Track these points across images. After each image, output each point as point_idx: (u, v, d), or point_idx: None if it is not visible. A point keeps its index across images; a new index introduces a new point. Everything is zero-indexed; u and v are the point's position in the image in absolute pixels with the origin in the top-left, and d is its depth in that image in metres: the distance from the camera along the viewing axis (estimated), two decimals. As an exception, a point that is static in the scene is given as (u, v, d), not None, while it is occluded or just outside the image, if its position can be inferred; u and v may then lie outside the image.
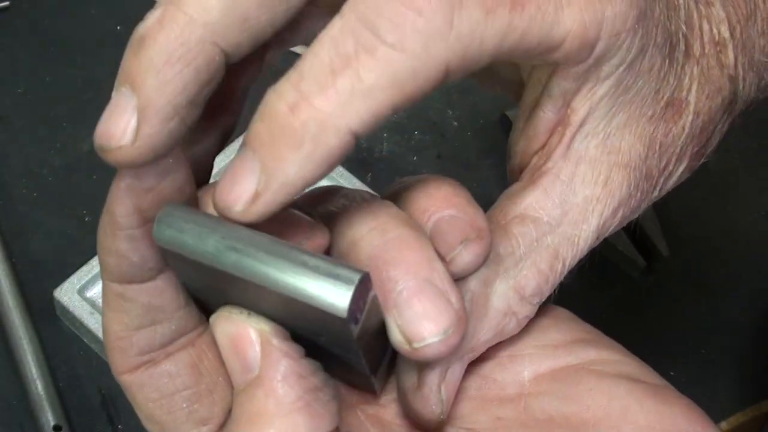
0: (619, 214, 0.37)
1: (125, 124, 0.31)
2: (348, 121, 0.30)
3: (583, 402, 0.35)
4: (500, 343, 0.37)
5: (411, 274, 0.33)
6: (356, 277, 0.30)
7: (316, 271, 0.31)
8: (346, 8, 0.31)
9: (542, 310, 0.38)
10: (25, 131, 0.73)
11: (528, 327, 0.38)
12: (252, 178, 0.31)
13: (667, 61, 0.36)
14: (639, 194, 0.37)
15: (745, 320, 0.68)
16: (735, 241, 0.72)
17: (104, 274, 0.34)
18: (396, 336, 0.33)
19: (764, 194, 0.74)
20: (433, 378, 0.36)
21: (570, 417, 0.35)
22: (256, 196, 0.31)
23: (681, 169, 0.39)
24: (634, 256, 0.69)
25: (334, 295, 0.30)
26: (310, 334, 0.33)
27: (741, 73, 0.39)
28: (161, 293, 0.34)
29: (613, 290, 0.69)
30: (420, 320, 0.32)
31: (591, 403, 0.35)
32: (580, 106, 0.36)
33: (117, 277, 0.34)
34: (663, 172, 0.38)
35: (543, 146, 0.37)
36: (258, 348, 0.33)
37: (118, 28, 0.76)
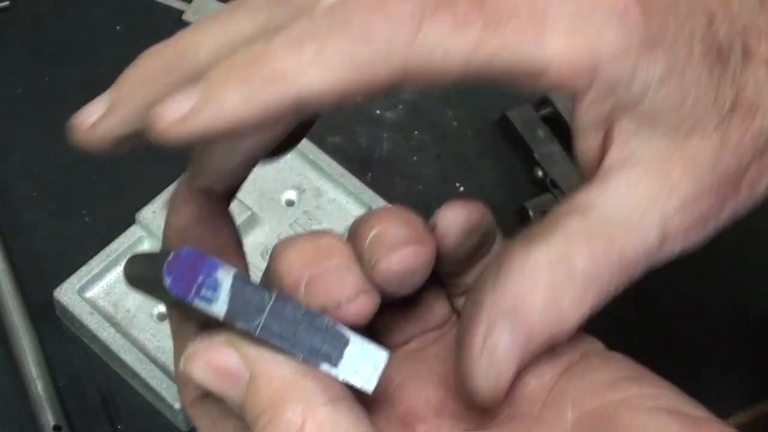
0: (689, 213, 0.36)
1: (94, 110, 0.35)
2: (297, 83, 0.31)
3: None
4: (547, 381, 0.38)
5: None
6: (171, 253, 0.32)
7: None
8: None
9: (593, 351, 0.39)
10: (25, 131, 0.73)
11: (575, 368, 0.38)
12: (187, 102, 0.31)
13: (717, 68, 0.35)
14: (714, 196, 0.36)
15: (746, 320, 0.68)
16: (737, 240, 0.71)
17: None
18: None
19: None
20: (474, 335, 0.35)
21: None
22: (183, 118, 0.31)
23: None
24: (634, 256, 0.69)
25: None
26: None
27: None
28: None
29: (613, 290, 0.69)
30: None
31: None
32: (626, 124, 0.35)
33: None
34: (746, 174, 0.37)
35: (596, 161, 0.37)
36: (235, 353, 0.33)
37: (118, 28, 0.75)
